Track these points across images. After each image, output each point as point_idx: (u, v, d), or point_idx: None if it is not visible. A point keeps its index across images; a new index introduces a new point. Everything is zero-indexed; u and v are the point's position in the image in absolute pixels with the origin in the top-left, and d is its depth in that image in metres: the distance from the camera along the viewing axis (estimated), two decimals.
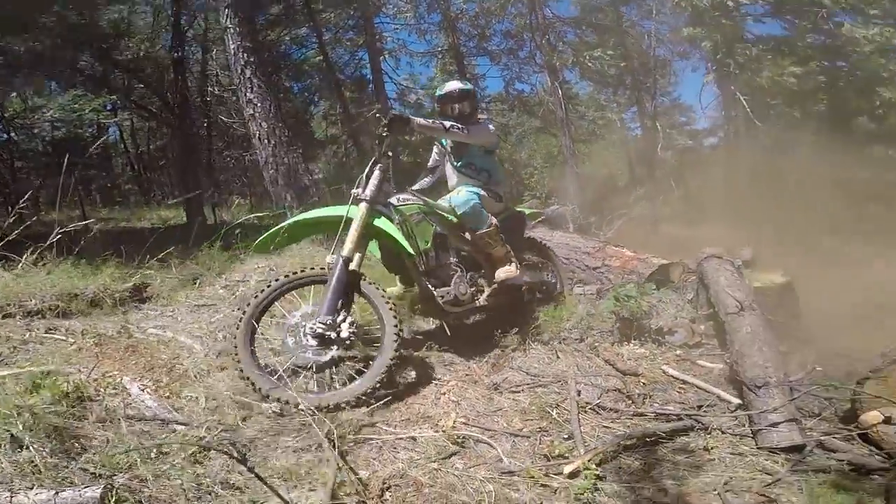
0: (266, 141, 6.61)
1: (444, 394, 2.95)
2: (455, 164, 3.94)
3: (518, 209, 4.36)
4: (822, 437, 2.61)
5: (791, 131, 11.45)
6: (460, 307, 3.54)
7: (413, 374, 3.18)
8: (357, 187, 3.06)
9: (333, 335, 2.71)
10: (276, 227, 3.19)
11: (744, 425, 2.73)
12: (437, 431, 2.54)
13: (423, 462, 2.29)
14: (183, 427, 2.31)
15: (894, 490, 2.15)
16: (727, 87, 12.62)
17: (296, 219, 3.21)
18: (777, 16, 12.23)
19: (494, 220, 3.73)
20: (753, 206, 10.32)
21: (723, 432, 2.70)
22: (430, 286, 3.35)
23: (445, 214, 3.64)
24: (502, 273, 3.74)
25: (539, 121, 16.48)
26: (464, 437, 2.51)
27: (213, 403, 2.53)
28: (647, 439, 2.60)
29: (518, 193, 17.42)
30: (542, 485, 2.19)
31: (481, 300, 3.71)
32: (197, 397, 2.55)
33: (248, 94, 6.64)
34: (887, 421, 2.53)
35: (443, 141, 4.03)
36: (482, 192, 3.75)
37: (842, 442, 2.59)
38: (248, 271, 4.56)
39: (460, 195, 3.63)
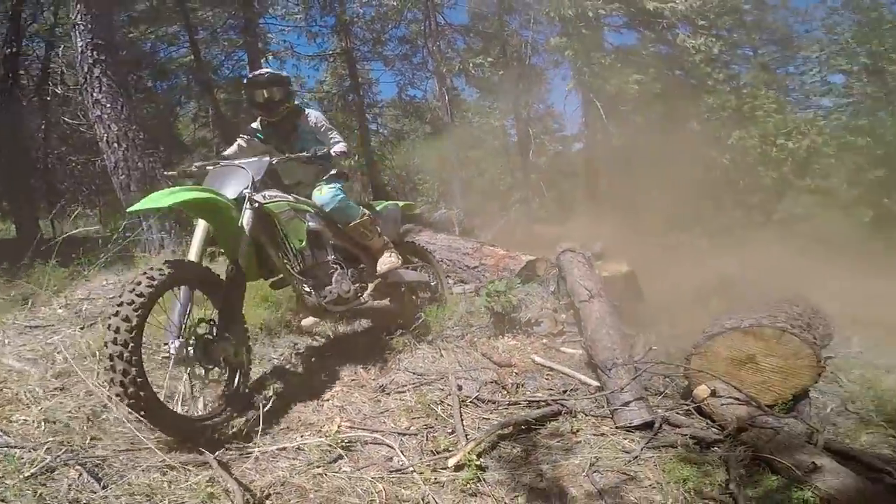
0: (116, 144, 6.00)
1: (328, 399, 2.96)
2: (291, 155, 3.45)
3: (391, 203, 4.26)
4: (666, 413, 2.94)
5: (638, 135, 12.57)
6: (344, 305, 3.39)
7: (296, 381, 3.15)
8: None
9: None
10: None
11: (603, 406, 3.05)
12: (321, 437, 2.55)
13: (305, 468, 2.29)
14: (18, 450, 2.09)
15: (732, 461, 2.48)
16: (587, 94, 13.41)
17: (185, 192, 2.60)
18: (632, 27, 13.31)
19: (366, 211, 3.66)
20: (609, 204, 11.59)
21: (586, 415, 2.99)
22: (308, 286, 3.17)
23: (313, 210, 3.44)
24: (384, 265, 3.67)
25: (430, 126, 16.81)
26: (350, 441, 2.54)
27: (54, 426, 2.33)
28: (522, 427, 2.81)
29: (412, 199, 17.71)
30: (432, 480, 2.29)
31: (364, 297, 3.58)
32: (32, 420, 2.33)
33: (95, 93, 5.99)
34: (714, 394, 2.97)
35: (258, 135, 3.69)
36: (337, 186, 3.60)
37: (684, 417, 2.96)
38: (95, 288, 4.14)
39: (323, 194, 3.48)
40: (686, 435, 2.76)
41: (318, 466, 2.31)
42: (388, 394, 3.09)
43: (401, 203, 4.40)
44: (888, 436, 2.97)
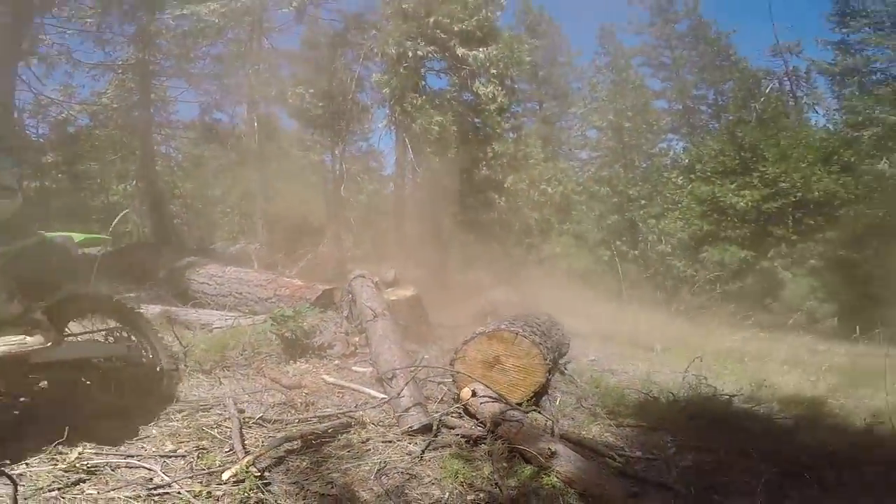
0: None
1: (74, 429, 2.58)
2: None
3: (57, 234, 2.93)
4: (442, 417, 3.32)
5: (441, 177, 13.43)
6: None
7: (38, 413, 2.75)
8: None
9: None
10: None
11: (391, 416, 3.34)
12: (52, 464, 2.34)
13: (33, 494, 2.11)
14: None
15: (495, 455, 2.89)
16: (400, 134, 13.83)
17: None
18: (449, 72, 13.96)
19: None
20: (417, 243, 12.53)
21: (375, 425, 3.25)
22: None
23: None
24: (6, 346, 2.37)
25: (237, 155, 15.72)
26: (95, 466, 2.38)
27: None
28: (313, 441, 2.92)
29: (209, 233, 16.23)
30: (205, 494, 2.27)
31: None
32: None
33: None
34: (474, 394, 3.44)
35: None
36: None
37: (457, 419, 3.38)
38: None
39: None
40: (458, 435, 3.17)
41: (49, 491, 2.14)
42: (151, 422, 2.93)
43: (78, 236, 3.06)
44: (610, 426, 3.70)
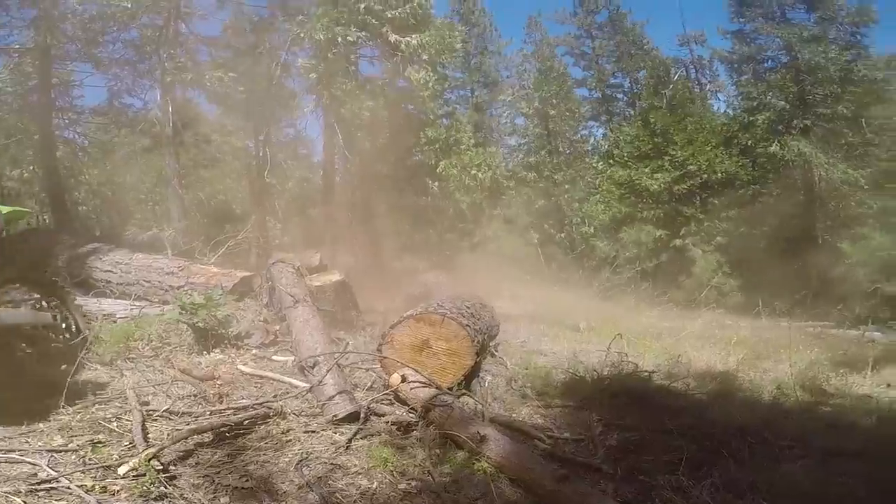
0: None
1: None
2: None
3: None
4: (370, 404, 3.20)
5: (372, 163, 13.30)
6: None
7: None
8: None
9: None
10: None
11: (314, 405, 3.18)
12: None
13: None
14: None
15: (426, 441, 2.82)
16: (329, 119, 13.45)
17: None
18: (382, 59, 13.55)
19: None
20: (349, 230, 12.25)
21: (297, 415, 3.07)
22: None
23: None
24: None
25: (150, 140, 14.66)
26: None
27: None
28: (227, 434, 2.74)
29: (121, 222, 15.06)
30: (98, 489, 2.08)
31: None
32: None
33: None
34: (404, 380, 3.32)
35: None
36: None
37: (388, 406, 3.27)
38: None
39: None
40: (388, 422, 3.07)
41: None
42: (37, 417, 2.64)
43: (5, 208, 3.21)
44: (538, 407, 3.72)
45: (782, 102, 14.60)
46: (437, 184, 13.63)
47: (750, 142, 14.76)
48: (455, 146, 14.00)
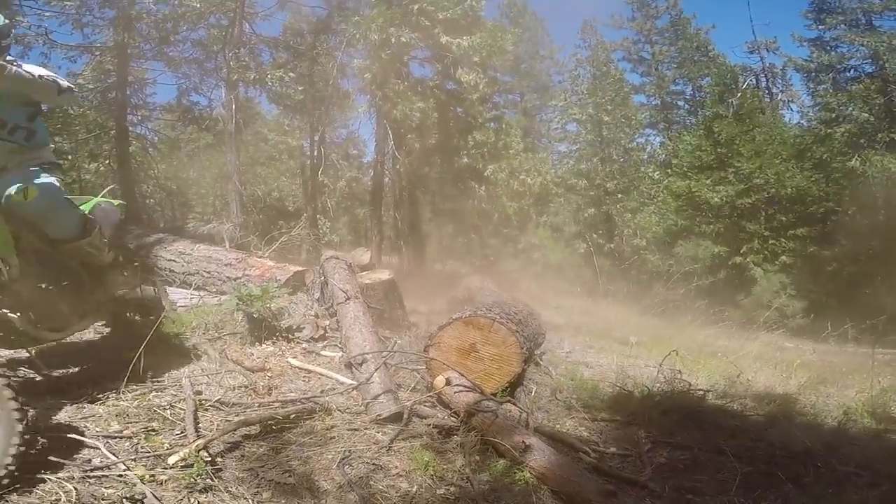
0: None
1: None
2: None
3: (104, 200, 3.33)
4: (414, 405, 3.18)
5: (420, 165, 13.49)
6: (60, 332, 2.76)
7: None
8: None
9: None
10: None
11: (359, 403, 3.18)
12: None
13: None
14: None
15: (467, 447, 2.78)
16: (381, 120, 13.79)
17: None
18: (433, 61, 13.81)
19: (90, 217, 2.86)
20: (396, 232, 12.42)
21: (342, 412, 3.08)
22: (10, 307, 2.43)
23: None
24: (116, 286, 3.07)
25: (213, 137, 15.44)
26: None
27: None
28: (273, 427, 2.76)
29: (183, 214, 15.90)
30: (147, 478, 2.11)
31: (84, 322, 2.95)
32: None
33: None
34: (448, 383, 3.29)
35: None
36: (53, 181, 2.60)
37: (429, 409, 3.23)
38: None
39: (29, 197, 2.41)
40: (430, 425, 3.03)
41: None
42: (97, 401, 2.73)
43: (115, 201, 3.48)
44: (584, 419, 3.61)
45: (866, 114, 13.65)
46: (483, 188, 13.60)
47: (826, 155, 13.89)
48: (504, 150, 13.92)
